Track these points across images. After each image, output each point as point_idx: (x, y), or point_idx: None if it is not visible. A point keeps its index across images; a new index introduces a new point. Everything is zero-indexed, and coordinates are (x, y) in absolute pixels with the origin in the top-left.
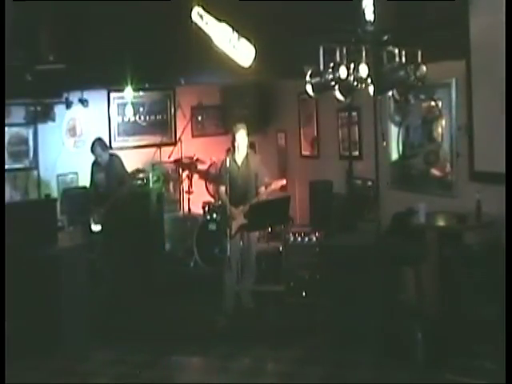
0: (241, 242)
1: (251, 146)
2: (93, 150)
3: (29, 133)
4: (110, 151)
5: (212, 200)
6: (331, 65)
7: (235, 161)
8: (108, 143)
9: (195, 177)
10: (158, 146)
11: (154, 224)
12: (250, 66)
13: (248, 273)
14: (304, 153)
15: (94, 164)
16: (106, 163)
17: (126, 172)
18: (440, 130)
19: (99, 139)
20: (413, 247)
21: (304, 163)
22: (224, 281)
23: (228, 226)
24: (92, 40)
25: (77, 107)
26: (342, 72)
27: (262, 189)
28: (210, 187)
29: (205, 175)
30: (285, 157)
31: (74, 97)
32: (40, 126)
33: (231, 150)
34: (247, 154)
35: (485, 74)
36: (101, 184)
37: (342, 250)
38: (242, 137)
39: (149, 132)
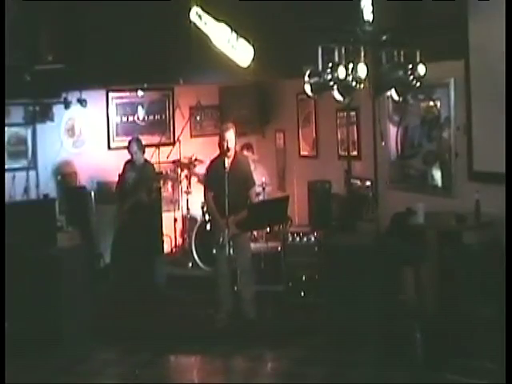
0: (231, 251)
1: (248, 147)
2: (129, 148)
3: (27, 133)
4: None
5: None
6: (330, 65)
7: (223, 164)
8: (106, 143)
9: (194, 177)
10: (157, 146)
11: (152, 224)
12: (248, 66)
13: (245, 282)
14: (303, 153)
15: (128, 163)
16: (140, 165)
17: (156, 180)
18: (439, 129)
19: (137, 139)
20: (412, 247)
21: (303, 163)
22: (217, 283)
23: (218, 235)
24: (90, 40)
25: (75, 107)
26: (341, 72)
27: (253, 197)
28: None
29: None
30: (283, 157)
31: (73, 97)
32: (39, 126)
33: (219, 151)
34: (236, 156)
35: (484, 74)
36: (130, 183)
37: (340, 250)
38: (231, 137)
39: (147, 132)
